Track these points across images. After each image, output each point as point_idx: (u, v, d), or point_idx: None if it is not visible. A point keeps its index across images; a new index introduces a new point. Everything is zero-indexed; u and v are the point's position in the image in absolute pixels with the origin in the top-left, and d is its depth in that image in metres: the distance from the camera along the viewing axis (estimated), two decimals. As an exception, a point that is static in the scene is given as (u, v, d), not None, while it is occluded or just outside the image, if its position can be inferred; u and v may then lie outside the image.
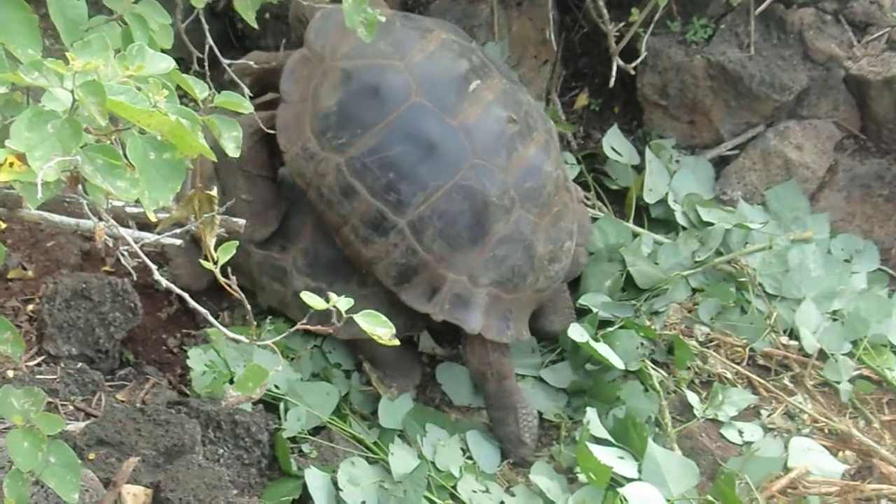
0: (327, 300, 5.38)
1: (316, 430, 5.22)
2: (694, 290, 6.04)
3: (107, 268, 5.43)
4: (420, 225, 5.21)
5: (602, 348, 5.48)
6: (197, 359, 5.21)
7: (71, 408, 4.77)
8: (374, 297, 5.46)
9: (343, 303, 2.65)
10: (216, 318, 2.98)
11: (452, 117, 5.26)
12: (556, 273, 5.58)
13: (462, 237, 5.24)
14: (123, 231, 2.77)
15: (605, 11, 6.26)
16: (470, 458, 5.31)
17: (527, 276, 5.40)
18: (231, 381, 5.14)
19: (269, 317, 5.61)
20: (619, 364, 5.46)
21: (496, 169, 5.27)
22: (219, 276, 2.77)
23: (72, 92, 2.44)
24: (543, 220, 5.43)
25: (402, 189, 5.19)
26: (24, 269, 5.34)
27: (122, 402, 4.99)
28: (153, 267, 2.79)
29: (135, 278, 3.04)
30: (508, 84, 5.53)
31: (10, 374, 4.80)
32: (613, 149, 6.64)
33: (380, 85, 5.26)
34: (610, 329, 5.71)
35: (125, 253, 2.75)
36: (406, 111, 5.24)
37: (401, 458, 5.10)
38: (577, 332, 5.50)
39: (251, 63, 5.18)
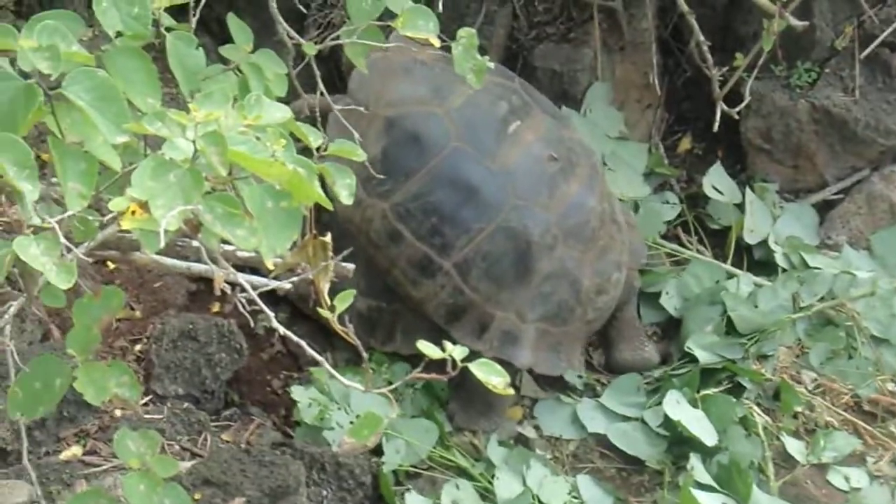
0: (390, 320, 5.50)
1: (417, 467, 5.25)
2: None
3: (215, 309, 5.50)
4: (465, 266, 5.37)
5: (695, 419, 5.43)
6: (300, 394, 5.29)
7: (177, 448, 4.82)
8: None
9: (458, 351, 2.66)
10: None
11: (492, 160, 5.41)
12: (605, 304, 5.68)
13: (507, 276, 5.39)
14: (240, 277, 2.81)
15: (708, 56, 6.23)
16: (576, 497, 5.29)
17: (574, 309, 5.52)
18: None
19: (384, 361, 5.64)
20: (710, 441, 5.36)
21: (538, 208, 5.41)
22: (335, 325, 2.80)
23: (193, 142, 2.48)
24: (588, 255, 5.53)
25: (446, 232, 5.36)
26: (132, 309, 5.41)
27: (228, 442, 5.03)
28: (270, 314, 2.83)
29: (252, 324, 3.08)
30: (551, 121, 5.66)
31: (118, 413, 4.87)
32: (715, 188, 6.61)
33: (420, 132, 5.45)
34: (710, 391, 5.62)
35: (243, 300, 2.78)
36: (446, 157, 5.40)
37: (506, 484, 5.16)
38: (672, 404, 5.48)
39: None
